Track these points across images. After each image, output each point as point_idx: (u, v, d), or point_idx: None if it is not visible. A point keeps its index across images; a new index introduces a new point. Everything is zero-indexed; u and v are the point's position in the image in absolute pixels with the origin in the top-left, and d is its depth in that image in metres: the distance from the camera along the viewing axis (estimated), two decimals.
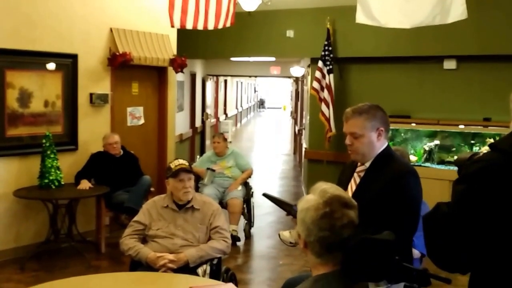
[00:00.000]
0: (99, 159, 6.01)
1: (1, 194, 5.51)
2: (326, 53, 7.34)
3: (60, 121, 6.01)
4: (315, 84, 7.47)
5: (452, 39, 6.75)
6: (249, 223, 6.67)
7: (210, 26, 5.67)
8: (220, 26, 5.69)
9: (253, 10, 6.21)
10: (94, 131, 6.26)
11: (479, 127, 6.67)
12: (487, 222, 1.63)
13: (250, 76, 19.81)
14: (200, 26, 5.64)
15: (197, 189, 6.23)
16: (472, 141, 6.70)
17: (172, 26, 5.69)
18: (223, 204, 6.24)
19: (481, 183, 1.65)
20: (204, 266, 3.45)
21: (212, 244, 3.49)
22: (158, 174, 7.22)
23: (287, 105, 32.98)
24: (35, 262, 5.43)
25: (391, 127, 2.85)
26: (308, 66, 8.70)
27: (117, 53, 6.31)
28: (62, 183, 5.65)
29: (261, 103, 42.63)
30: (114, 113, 6.58)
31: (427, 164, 6.89)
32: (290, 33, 7.91)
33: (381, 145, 2.67)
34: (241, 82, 27.63)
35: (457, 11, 4.69)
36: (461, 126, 6.76)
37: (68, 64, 6.02)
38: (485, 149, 1.81)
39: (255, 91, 37.63)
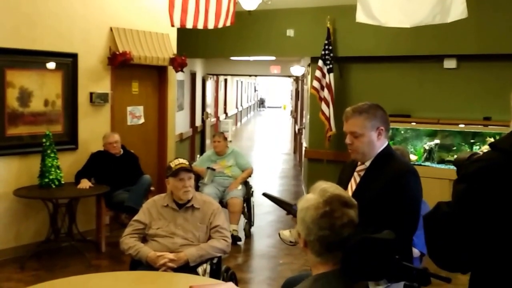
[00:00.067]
0: (99, 158, 6.01)
1: (1, 193, 5.51)
2: (326, 52, 7.34)
3: (60, 120, 6.01)
4: (315, 83, 7.46)
5: (452, 38, 6.75)
6: (249, 222, 6.67)
7: (210, 25, 5.67)
8: (220, 25, 5.69)
9: (253, 9, 6.20)
10: (94, 130, 6.26)
11: (479, 126, 6.67)
12: (487, 222, 1.63)
13: (250, 75, 19.81)
14: (200, 25, 5.64)
15: (197, 188, 6.23)
16: (472, 140, 6.70)
17: (172, 25, 5.69)
18: (223, 203, 6.24)
19: (481, 183, 1.65)
20: (204, 265, 3.45)
21: (212, 243, 3.49)
22: (158, 173, 7.22)
23: (287, 104, 32.99)
24: (35, 261, 5.43)
25: (391, 126, 2.85)
26: (308, 65, 8.70)
27: (117, 52, 6.31)
28: (62, 182, 5.66)
29: (261, 102, 42.63)
30: (114, 112, 6.58)
31: (427, 163, 6.89)
32: (290, 32, 7.91)
33: (381, 144, 2.66)
34: (241, 81, 27.62)
35: (457, 10, 4.69)
36: (461, 125, 6.76)
37: (68, 63, 6.02)
38: (485, 148, 1.82)
39: (255, 90, 37.62)
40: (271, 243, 6.35)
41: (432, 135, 7.00)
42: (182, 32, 7.25)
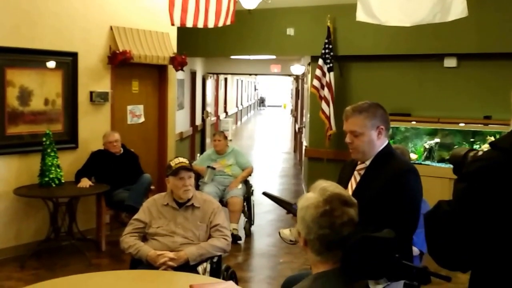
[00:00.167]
0: (99, 157, 6.01)
1: (2, 192, 5.51)
2: (327, 51, 7.34)
3: (60, 119, 6.01)
4: (316, 82, 7.46)
5: (453, 37, 6.75)
6: (249, 221, 6.67)
7: (210, 24, 5.66)
8: (220, 24, 5.69)
9: (253, 8, 6.20)
10: (94, 129, 6.26)
11: (480, 125, 6.67)
12: (487, 221, 1.63)
13: (250, 74, 19.80)
14: (200, 24, 5.64)
15: (197, 187, 6.22)
16: (472, 139, 6.69)
17: (172, 24, 5.68)
18: (223, 202, 6.24)
19: (482, 182, 1.65)
20: (204, 264, 3.45)
21: (212, 242, 3.49)
22: (158, 172, 7.22)
23: (288, 103, 32.98)
24: (35, 260, 5.43)
25: (391, 125, 2.84)
26: (309, 64, 8.70)
27: (117, 51, 6.31)
28: (63, 181, 5.66)
29: (261, 101, 42.63)
30: (114, 111, 6.58)
31: (427, 162, 6.89)
32: (290, 31, 7.91)
33: (381, 143, 2.66)
34: (242, 80, 27.61)
35: (458, 9, 4.69)
36: (462, 124, 6.76)
37: (68, 62, 6.02)
38: (485, 147, 1.81)
39: (255, 89, 37.61)
40: (271, 242, 6.35)
41: (432, 134, 7.01)
42: (182, 31, 7.25)
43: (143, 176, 6.06)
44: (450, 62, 7.11)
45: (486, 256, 1.68)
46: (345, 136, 2.72)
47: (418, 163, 6.61)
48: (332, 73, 7.32)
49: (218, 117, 17.33)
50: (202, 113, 12.58)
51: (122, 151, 6.16)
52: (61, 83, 5.98)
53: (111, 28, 6.41)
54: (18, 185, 5.55)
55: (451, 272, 1.80)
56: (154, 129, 7.40)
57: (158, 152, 7.45)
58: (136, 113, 7.04)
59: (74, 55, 6.05)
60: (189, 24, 5.61)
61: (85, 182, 5.72)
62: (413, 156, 6.83)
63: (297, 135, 13.99)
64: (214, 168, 6.51)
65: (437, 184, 5.94)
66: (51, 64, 5.84)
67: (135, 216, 3.63)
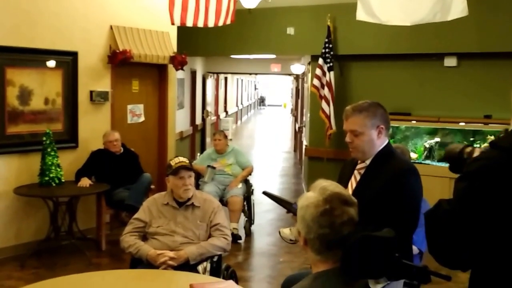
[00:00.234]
0: (100, 156, 6.01)
1: (2, 191, 5.51)
2: (327, 50, 7.34)
3: (60, 119, 6.01)
4: (316, 82, 7.46)
5: (453, 37, 6.74)
6: (250, 220, 6.67)
7: (210, 24, 5.66)
8: (221, 23, 5.69)
9: (253, 7, 6.20)
10: (95, 128, 6.26)
11: (480, 124, 6.66)
12: (488, 220, 1.63)
13: (250, 74, 19.80)
14: (200, 24, 5.64)
15: (197, 186, 6.22)
16: (472, 139, 6.69)
17: (172, 24, 5.68)
18: (223, 201, 6.23)
19: (482, 181, 1.65)
20: (205, 263, 3.45)
21: (213, 241, 3.49)
22: (158, 171, 7.23)
23: (288, 102, 32.98)
24: (35, 260, 5.44)
25: (391, 125, 2.84)
26: (309, 63, 8.70)
27: (117, 51, 6.31)
28: (63, 180, 5.66)
29: (261, 101, 42.63)
30: (114, 110, 6.58)
31: (428, 161, 6.89)
32: (290, 31, 7.90)
33: (381, 142, 2.66)
34: (242, 80, 27.60)
35: (458, 8, 4.69)
36: (462, 124, 6.76)
37: (68, 61, 6.02)
38: (484, 147, 1.82)
39: (255, 88, 37.61)
40: (271, 241, 6.35)
41: (432, 133, 7.00)
42: (182, 30, 7.25)
43: (143, 176, 6.06)
44: (450, 62, 7.10)
45: (486, 255, 1.68)
46: (345, 136, 2.72)
47: (418, 163, 6.61)
48: (332, 73, 7.32)
49: (218, 116, 17.33)
50: (202, 112, 12.59)
51: (122, 150, 6.17)
52: (61, 83, 5.98)
53: (111, 27, 6.41)
54: (18, 185, 5.55)
55: (451, 272, 1.80)
56: (154, 129, 7.40)
57: (158, 151, 7.45)
58: (136, 113, 7.04)
59: (74, 55, 6.05)
60: (189, 23, 5.61)
61: (85, 181, 5.72)
62: (413, 155, 6.82)
63: (297, 134, 13.99)
64: (214, 168, 6.51)
65: (437, 183, 5.93)
66: (51, 63, 5.84)
67: (135, 216, 3.63)
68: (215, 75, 15.93)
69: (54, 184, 5.55)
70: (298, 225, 1.77)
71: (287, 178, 11.06)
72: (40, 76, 5.77)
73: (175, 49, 7.19)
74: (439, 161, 6.83)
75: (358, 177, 2.71)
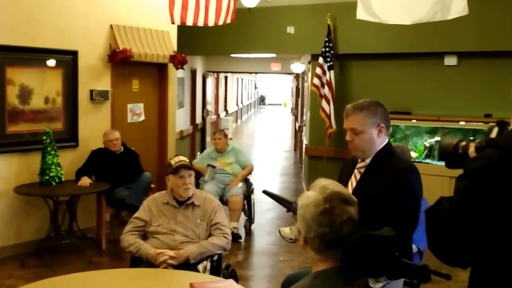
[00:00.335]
0: (100, 155, 6.01)
1: (2, 190, 5.51)
2: (327, 49, 7.33)
3: (61, 118, 6.01)
4: (316, 81, 7.46)
5: (453, 36, 6.74)
6: (250, 219, 6.67)
7: (211, 23, 5.66)
8: (221, 22, 5.68)
9: (253, 6, 6.20)
10: (95, 127, 6.26)
11: (480, 123, 6.65)
12: (488, 219, 1.63)
13: (250, 73, 19.79)
14: (200, 23, 5.63)
15: (197, 185, 6.23)
16: (473, 138, 6.69)
17: (173, 23, 5.68)
18: (223, 200, 6.23)
19: (483, 180, 1.65)
20: (205, 262, 3.45)
21: (213, 240, 3.49)
22: (158, 170, 7.23)
23: (288, 101, 32.98)
24: (35, 259, 5.44)
25: (391, 124, 2.85)
26: (309, 62, 8.70)
27: (118, 50, 6.30)
28: (63, 179, 5.66)
29: (261, 100, 42.63)
30: (114, 109, 6.58)
31: (428, 160, 6.89)
32: (290, 30, 7.90)
33: (381, 141, 2.66)
34: (242, 79, 27.60)
35: (458, 7, 4.69)
36: (462, 123, 6.76)
37: (68, 60, 6.02)
38: (479, 141, 1.84)
39: (255, 87, 37.61)
40: (271, 240, 6.35)
41: (432, 132, 7.00)
42: (183, 29, 7.25)
43: (143, 175, 6.07)
44: (451, 60, 7.10)
45: (486, 253, 1.68)
46: (345, 134, 2.72)
47: (418, 162, 6.61)
48: (332, 72, 7.32)
49: (218, 115, 17.32)
50: (202, 111, 12.58)
51: (122, 149, 6.17)
52: (61, 82, 5.98)
53: (111, 26, 6.41)
54: (19, 184, 5.55)
55: (451, 271, 1.80)
56: (154, 128, 7.40)
57: (158, 150, 7.45)
58: (136, 112, 7.03)
59: (74, 54, 6.05)
60: (189, 22, 5.61)
61: (85, 180, 5.72)
62: (413, 154, 6.82)
63: (297, 133, 13.98)
64: (214, 167, 6.51)
65: (437, 182, 5.93)
66: (51, 62, 5.84)
67: (135, 215, 3.63)
68: (215, 74, 15.92)
69: (54, 183, 5.55)
70: (298, 224, 1.77)
71: (287, 177, 11.06)
72: (40, 75, 5.77)
73: (175, 48, 7.19)
74: (439, 160, 6.83)
75: (358, 176, 2.71)
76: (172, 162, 3.64)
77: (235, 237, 5.97)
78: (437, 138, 6.92)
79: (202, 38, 8.24)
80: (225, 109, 20.48)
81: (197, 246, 3.43)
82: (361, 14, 5.09)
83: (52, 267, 5.24)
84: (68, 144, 6.05)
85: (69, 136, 6.09)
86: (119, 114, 6.71)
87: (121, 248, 3.59)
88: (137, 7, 6.75)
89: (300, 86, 14.10)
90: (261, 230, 6.80)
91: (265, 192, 2.82)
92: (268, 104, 42.73)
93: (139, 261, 3.46)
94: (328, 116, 7.29)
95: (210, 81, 14.48)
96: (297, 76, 15.63)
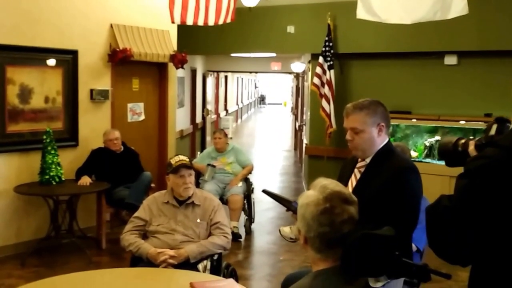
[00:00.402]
0: (100, 155, 6.01)
1: (2, 190, 5.51)
2: (327, 48, 7.33)
3: (61, 117, 6.01)
4: (316, 80, 7.46)
5: (453, 35, 6.74)
6: (250, 218, 6.67)
7: (211, 22, 5.66)
8: (221, 22, 5.68)
9: (253, 5, 6.20)
10: (95, 127, 6.26)
11: (480, 122, 6.64)
12: (487, 217, 1.63)
13: (250, 72, 19.79)
14: (200, 22, 5.63)
15: (197, 185, 6.23)
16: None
17: (173, 22, 5.68)
18: (223, 200, 6.23)
19: (483, 179, 1.65)
20: (205, 261, 3.45)
21: (213, 239, 3.49)
22: (158, 170, 7.23)
23: (288, 101, 32.98)
24: (35, 258, 5.44)
25: (391, 123, 2.85)
26: (309, 62, 8.70)
27: (118, 49, 6.30)
28: (63, 179, 5.66)
29: (261, 99, 42.63)
30: (114, 109, 6.58)
31: (428, 160, 6.89)
32: (290, 29, 7.90)
33: (381, 140, 2.66)
34: (242, 78, 27.60)
35: (458, 6, 4.69)
36: (462, 122, 6.75)
37: (68, 60, 6.02)
38: (478, 139, 1.85)
39: (255, 87, 37.61)
40: (271, 240, 6.35)
41: (432, 131, 7.00)
42: (183, 29, 7.24)
43: (143, 174, 6.07)
44: (451, 60, 7.10)
45: (485, 252, 1.68)
46: (345, 134, 2.72)
47: (418, 161, 6.61)
48: (332, 71, 7.31)
49: (218, 115, 17.33)
50: (203, 111, 12.58)
51: (122, 149, 6.17)
52: (62, 81, 5.98)
53: (111, 26, 6.41)
54: (19, 183, 5.56)
55: (451, 270, 1.80)
56: (154, 127, 7.40)
57: (158, 150, 7.45)
58: (137, 111, 7.03)
59: (74, 53, 6.05)
60: (190, 22, 5.61)
61: (85, 180, 5.72)
62: (413, 153, 6.82)
63: (297, 133, 13.98)
64: (214, 166, 6.51)
65: (437, 181, 5.93)
66: (52, 62, 5.84)
67: (136, 214, 3.64)
68: (215, 73, 15.92)
69: (54, 183, 5.55)
70: (298, 223, 1.77)
71: (287, 177, 11.06)
72: (40, 74, 5.77)
73: (175, 48, 7.18)
74: (438, 159, 6.83)
75: (358, 176, 2.71)
76: (172, 161, 3.64)
77: (235, 236, 5.97)
78: (437, 138, 6.92)
79: (202, 38, 8.23)
80: (225, 109, 20.48)
81: (197, 245, 3.43)
82: (361, 13, 5.09)
83: (52, 266, 5.24)
84: (68, 144, 6.05)
85: (69, 136, 6.09)
86: (119, 113, 6.71)
87: (121, 247, 3.59)
88: (137, 7, 6.75)
89: (300, 86, 14.10)
90: (261, 230, 6.80)
91: (264, 191, 2.82)
92: (268, 104, 42.73)
93: (139, 260, 3.46)
94: (328, 116, 7.29)
95: (210, 80, 14.48)
96: (297, 76, 15.63)
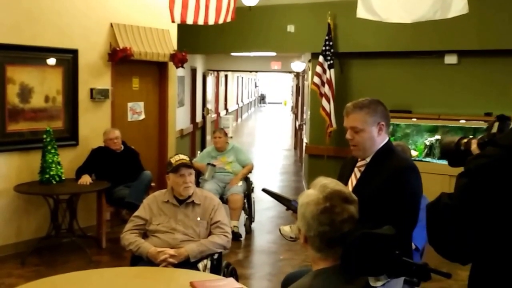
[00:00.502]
0: (100, 154, 6.01)
1: (2, 189, 5.51)
2: (327, 48, 7.33)
3: (61, 117, 6.01)
4: (316, 79, 7.45)
5: (453, 34, 6.74)
6: (250, 218, 6.67)
7: (211, 21, 5.66)
8: (221, 21, 5.68)
9: (253, 4, 6.19)
10: (95, 126, 6.26)
11: (480, 122, 6.65)
12: (487, 216, 1.64)
13: (250, 71, 19.79)
14: (200, 21, 5.64)
15: (197, 184, 6.22)
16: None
17: (173, 21, 5.68)
18: (223, 199, 6.24)
19: (483, 178, 1.65)
20: (205, 261, 3.46)
21: (213, 239, 3.50)
22: (158, 169, 7.23)
23: (288, 100, 32.97)
24: (36, 257, 5.44)
25: (392, 122, 2.85)
26: (309, 61, 8.69)
27: (118, 48, 6.30)
28: (63, 178, 5.66)
29: (261, 98, 42.62)
30: (114, 108, 6.58)
31: (428, 159, 6.88)
32: (290, 28, 7.90)
33: (382, 140, 2.66)
34: (242, 77, 27.60)
35: (458, 5, 4.69)
36: (462, 121, 6.75)
37: (68, 59, 6.02)
38: (480, 137, 1.85)
39: (255, 86, 37.60)
40: (271, 239, 6.35)
41: (433, 130, 7.00)
42: (183, 28, 7.24)
43: (143, 173, 6.07)
44: (451, 59, 7.10)
45: (485, 250, 1.68)
46: (345, 133, 2.72)
47: (418, 160, 6.61)
48: (332, 70, 7.31)
49: (218, 114, 17.33)
50: (203, 110, 12.58)
51: (122, 148, 6.17)
52: (62, 80, 5.98)
53: (111, 25, 6.41)
54: (19, 182, 5.56)
55: (451, 269, 1.80)
56: (154, 126, 7.40)
57: (158, 149, 7.45)
58: (137, 110, 7.03)
59: (74, 52, 6.05)
60: (190, 21, 5.61)
61: (86, 179, 5.72)
62: (413, 153, 6.82)
63: (297, 132, 13.98)
64: (214, 165, 6.50)
65: (437, 181, 5.93)
66: (52, 61, 5.84)
67: (136, 213, 3.64)
68: (216, 72, 15.92)
69: (54, 182, 5.55)
70: (298, 222, 1.78)
71: (287, 176, 11.06)
72: (40, 73, 5.77)
73: (175, 47, 7.19)
74: (439, 158, 6.83)
75: (358, 175, 2.71)
76: (172, 160, 3.64)
77: (235, 235, 5.97)
78: (438, 137, 6.92)
79: (202, 37, 8.23)
80: (225, 108, 20.48)
81: (197, 244, 3.43)
82: (361, 12, 5.09)
83: (52, 265, 5.24)
84: (68, 143, 6.05)
85: (69, 135, 6.09)
86: (119, 112, 6.71)
87: (121, 246, 3.60)
88: (137, 6, 6.74)
89: (300, 85, 14.09)
90: (261, 229, 6.80)
91: (264, 190, 2.82)
92: (268, 103, 42.72)
93: (139, 259, 3.46)
94: (328, 115, 7.29)
95: (210, 79, 14.47)
96: (297, 75, 15.62)
